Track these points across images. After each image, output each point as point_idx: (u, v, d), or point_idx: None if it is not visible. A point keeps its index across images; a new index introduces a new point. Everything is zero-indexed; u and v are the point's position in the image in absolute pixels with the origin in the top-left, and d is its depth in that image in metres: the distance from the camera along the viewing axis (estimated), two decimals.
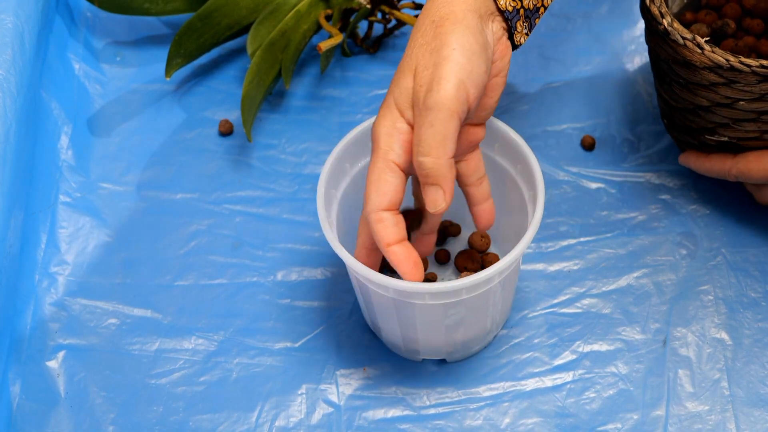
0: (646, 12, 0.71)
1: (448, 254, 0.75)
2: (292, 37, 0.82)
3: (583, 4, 0.90)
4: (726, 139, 0.72)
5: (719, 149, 0.73)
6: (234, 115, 0.84)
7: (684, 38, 0.68)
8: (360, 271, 0.63)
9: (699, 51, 0.67)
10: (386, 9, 0.85)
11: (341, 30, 0.85)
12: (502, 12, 0.63)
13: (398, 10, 0.86)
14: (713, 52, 0.67)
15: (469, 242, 0.75)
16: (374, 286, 0.64)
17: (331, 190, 0.67)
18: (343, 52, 0.87)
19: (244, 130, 0.79)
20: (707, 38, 0.69)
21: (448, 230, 0.75)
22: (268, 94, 0.84)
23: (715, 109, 0.70)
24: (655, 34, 0.70)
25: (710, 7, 0.79)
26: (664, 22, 0.69)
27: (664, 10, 0.69)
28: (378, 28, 0.90)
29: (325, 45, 0.79)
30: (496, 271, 0.62)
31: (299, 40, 0.83)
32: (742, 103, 0.68)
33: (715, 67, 0.67)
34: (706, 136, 0.73)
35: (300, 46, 0.83)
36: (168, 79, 0.83)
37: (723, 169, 0.73)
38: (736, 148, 0.72)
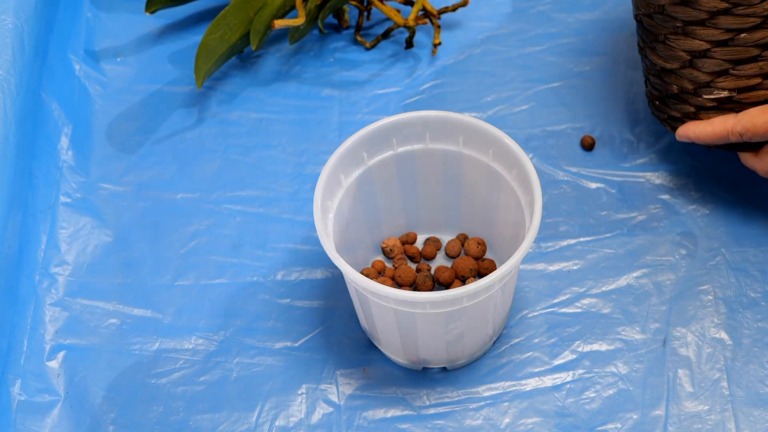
0: None
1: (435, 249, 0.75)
2: (270, 2, 0.82)
3: (583, 5, 0.90)
4: (725, 93, 0.71)
5: (719, 112, 0.72)
6: (234, 115, 0.84)
7: None
8: (360, 282, 0.62)
9: None
10: None
11: (319, 8, 0.84)
12: None
13: (381, 1, 0.86)
14: None
15: (465, 250, 0.75)
16: (374, 296, 0.64)
17: (326, 201, 0.67)
18: (320, 30, 0.88)
19: (195, 76, 0.81)
20: None
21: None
22: (236, 53, 0.85)
23: (714, 51, 0.69)
24: None
25: None
26: None
27: None
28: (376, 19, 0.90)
29: (279, 23, 0.79)
30: (496, 279, 0.62)
31: (278, 7, 0.83)
32: (743, 35, 0.68)
33: None
34: (704, 96, 0.71)
35: (278, 14, 0.83)
36: (148, 14, 0.85)
37: (726, 129, 0.70)
38: (736, 107, 0.71)
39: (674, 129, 0.76)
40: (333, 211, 0.68)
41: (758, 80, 0.70)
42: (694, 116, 0.74)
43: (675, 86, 0.73)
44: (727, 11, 0.67)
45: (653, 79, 0.76)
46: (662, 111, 0.76)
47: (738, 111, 0.71)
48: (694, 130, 0.73)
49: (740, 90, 0.70)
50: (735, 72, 0.70)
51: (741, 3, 0.67)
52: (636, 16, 0.75)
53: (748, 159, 0.73)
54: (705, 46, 0.69)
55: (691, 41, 0.70)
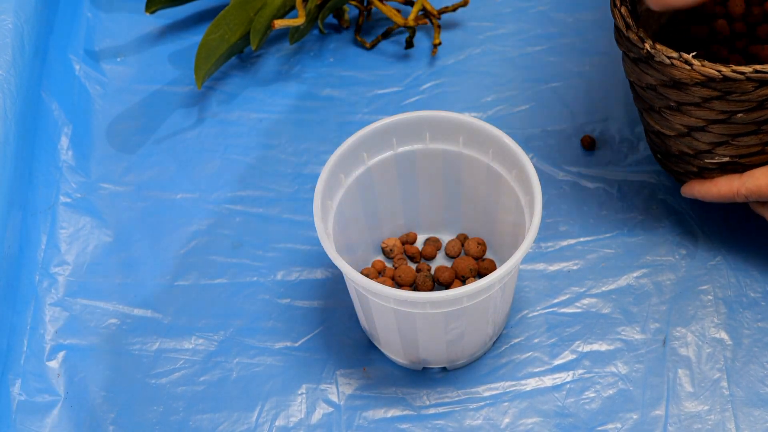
0: (625, 41, 0.68)
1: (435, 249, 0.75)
2: (270, 2, 0.82)
3: (583, 5, 0.90)
4: (727, 159, 0.70)
5: (722, 172, 0.71)
6: (234, 115, 0.84)
7: (670, 57, 0.65)
8: (360, 282, 0.63)
9: (688, 68, 0.65)
10: None
11: (319, 8, 0.84)
12: None
13: (381, 1, 0.85)
14: (703, 65, 0.65)
15: (465, 250, 0.75)
16: (374, 296, 0.64)
17: (327, 201, 0.67)
18: (320, 30, 0.88)
19: (195, 76, 0.81)
20: (694, 53, 0.66)
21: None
22: (236, 53, 0.85)
23: (711, 127, 0.68)
24: (638, 61, 0.68)
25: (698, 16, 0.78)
26: (646, 45, 0.66)
27: (642, 34, 0.67)
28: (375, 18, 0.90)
29: (279, 23, 0.79)
30: (496, 279, 0.62)
31: (278, 7, 0.83)
32: (740, 115, 0.66)
33: (708, 81, 0.65)
34: (706, 160, 0.70)
35: (278, 14, 0.83)
36: (148, 14, 0.85)
37: (731, 191, 0.70)
38: (738, 168, 0.70)
39: (679, 180, 0.75)
40: (333, 211, 0.68)
41: (759, 147, 0.68)
42: (698, 175, 0.73)
43: (675, 149, 0.72)
44: (720, 98, 0.66)
45: (653, 137, 0.74)
46: (665, 165, 0.75)
47: (742, 171, 0.70)
48: (699, 190, 0.73)
49: (742, 156, 0.69)
50: (734, 143, 0.68)
51: (734, 91, 0.65)
52: (631, 85, 0.73)
53: (756, 207, 0.72)
54: (701, 123, 0.68)
55: (687, 118, 0.68)
